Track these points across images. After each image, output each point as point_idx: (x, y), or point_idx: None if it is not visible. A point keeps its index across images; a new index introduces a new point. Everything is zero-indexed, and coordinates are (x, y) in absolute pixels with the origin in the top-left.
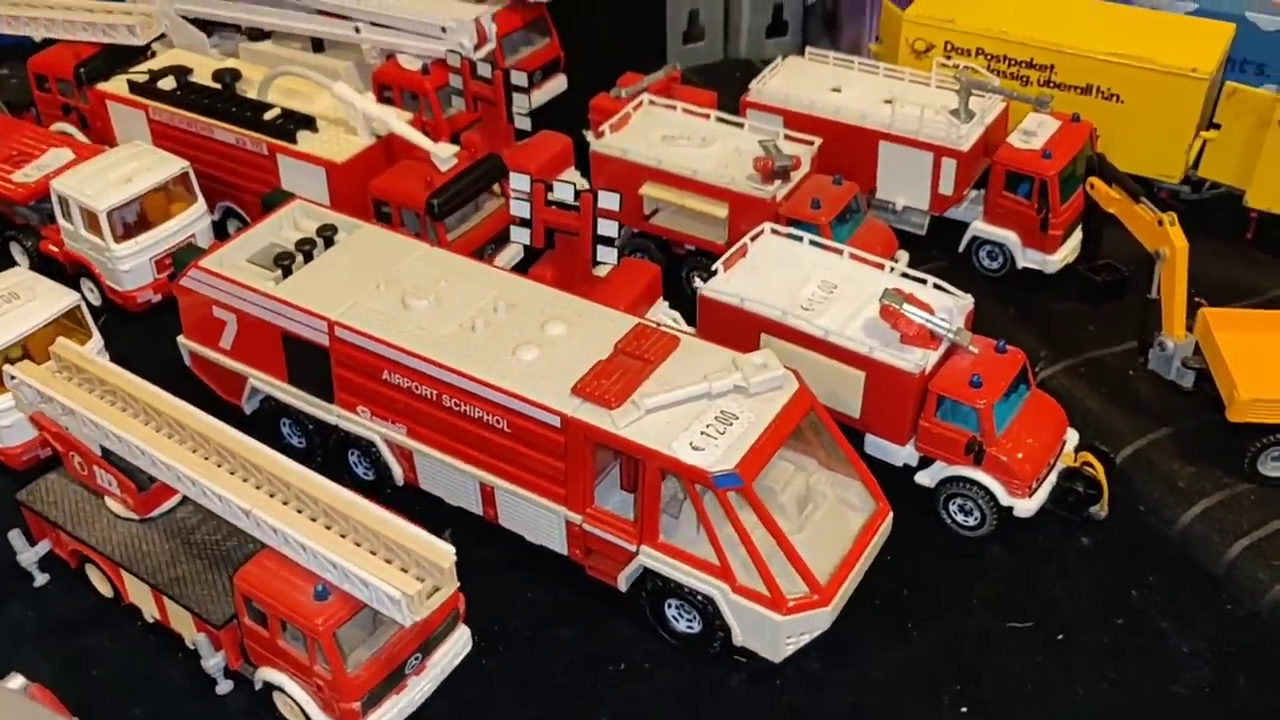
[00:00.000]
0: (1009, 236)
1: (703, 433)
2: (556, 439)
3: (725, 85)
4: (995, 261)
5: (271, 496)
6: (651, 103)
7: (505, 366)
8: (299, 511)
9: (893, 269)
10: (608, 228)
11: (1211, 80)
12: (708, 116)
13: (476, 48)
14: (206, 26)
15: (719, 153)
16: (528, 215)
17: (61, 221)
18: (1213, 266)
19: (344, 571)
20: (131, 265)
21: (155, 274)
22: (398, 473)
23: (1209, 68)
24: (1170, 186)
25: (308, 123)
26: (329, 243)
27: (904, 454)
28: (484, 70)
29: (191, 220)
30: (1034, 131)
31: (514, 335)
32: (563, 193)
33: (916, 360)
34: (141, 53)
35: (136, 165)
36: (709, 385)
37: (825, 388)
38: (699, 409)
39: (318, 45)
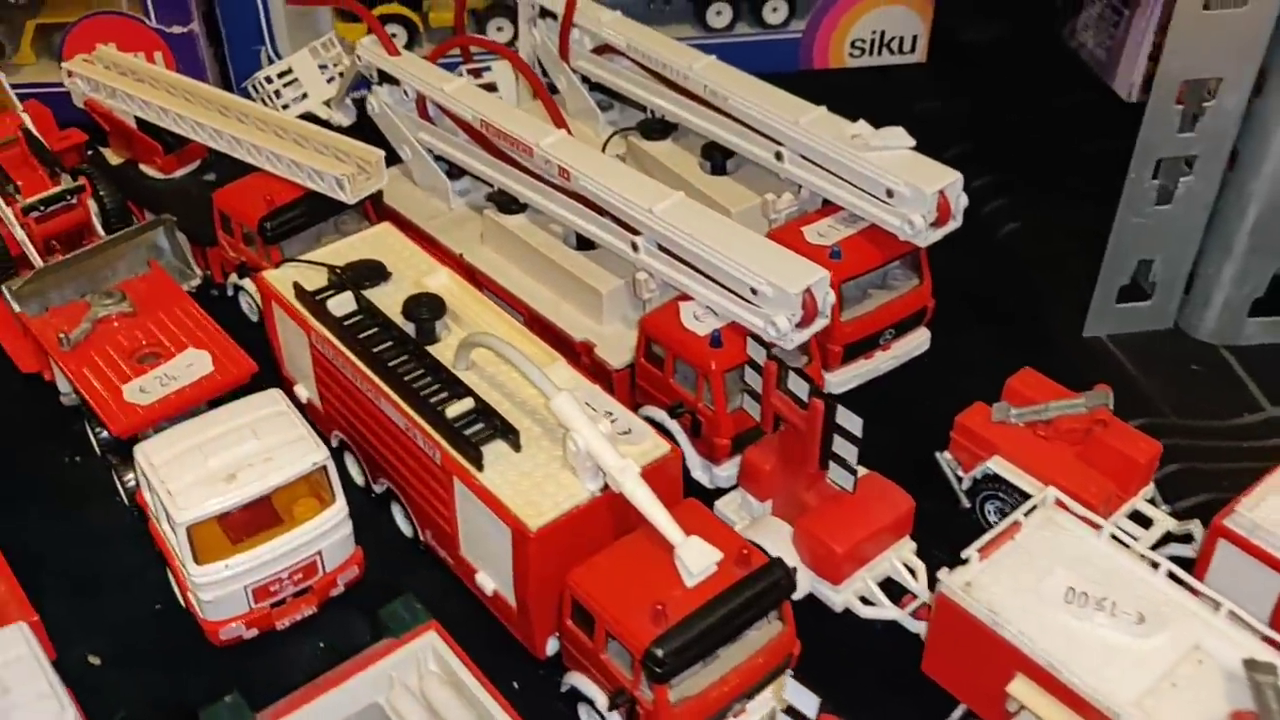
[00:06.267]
0: None
1: None
2: None
3: (1163, 382)
4: None
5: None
6: (1058, 503)
7: None
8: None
9: None
10: (845, 449)
11: None
12: (1156, 566)
13: (799, 325)
14: (451, 168)
15: (1165, 651)
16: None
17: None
18: None
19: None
20: (216, 595)
21: (252, 604)
22: None
23: None
24: None
25: (508, 433)
26: None
27: None
28: (798, 386)
29: (320, 532)
30: None
31: None
32: (797, 387)
33: None
34: (346, 209)
35: (254, 448)
36: None
37: None
38: None
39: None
